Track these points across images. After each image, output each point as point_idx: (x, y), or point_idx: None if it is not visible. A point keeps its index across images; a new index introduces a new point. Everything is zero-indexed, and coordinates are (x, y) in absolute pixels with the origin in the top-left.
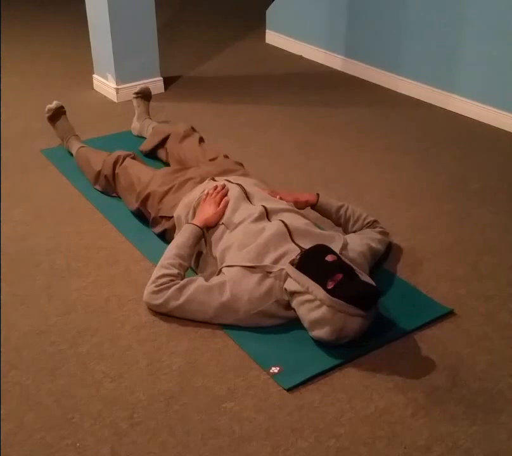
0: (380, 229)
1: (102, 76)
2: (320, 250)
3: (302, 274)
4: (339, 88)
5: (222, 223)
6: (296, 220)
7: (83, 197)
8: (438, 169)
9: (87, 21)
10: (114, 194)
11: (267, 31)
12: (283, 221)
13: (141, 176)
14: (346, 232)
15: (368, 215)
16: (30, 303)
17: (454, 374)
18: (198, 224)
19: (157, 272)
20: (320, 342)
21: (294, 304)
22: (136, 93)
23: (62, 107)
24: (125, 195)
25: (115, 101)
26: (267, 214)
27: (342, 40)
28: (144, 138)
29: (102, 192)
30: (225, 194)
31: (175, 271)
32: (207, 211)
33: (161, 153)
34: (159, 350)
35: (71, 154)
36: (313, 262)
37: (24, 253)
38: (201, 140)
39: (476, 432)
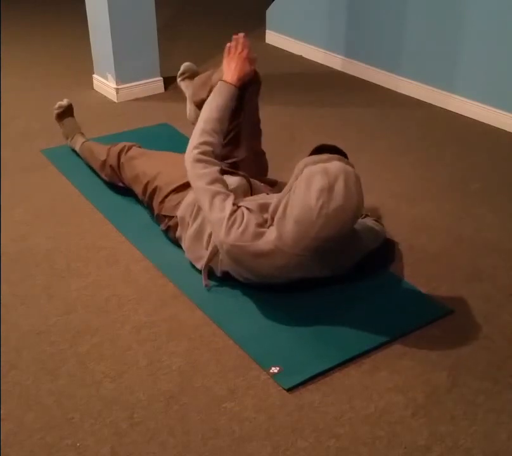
0: (375, 220)
1: (102, 76)
2: None
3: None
4: (339, 88)
5: None
6: None
7: (83, 197)
8: (438, 169)
9: (87, 21)
10: (121, 184)
11: (267, 31)
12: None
13: (147, 169)
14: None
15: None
16: (30, 303)
17: (454, 374)
18: (234, 83)
19: (200, 136)
20: (320, 343)
21: (289, 210)
22: (180, 74)
23: (72, 105)
24: (133, 187)
25: (115, 101)
26: None
27: (342, 40)
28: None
29: (108, 182)
30: (246, 44)
31: (217, 139)
32: (242, 67)
33: None
34: (159, 350)
35: (75, 152)
36: None
37: (24, 253)
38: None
39: (476, 432)
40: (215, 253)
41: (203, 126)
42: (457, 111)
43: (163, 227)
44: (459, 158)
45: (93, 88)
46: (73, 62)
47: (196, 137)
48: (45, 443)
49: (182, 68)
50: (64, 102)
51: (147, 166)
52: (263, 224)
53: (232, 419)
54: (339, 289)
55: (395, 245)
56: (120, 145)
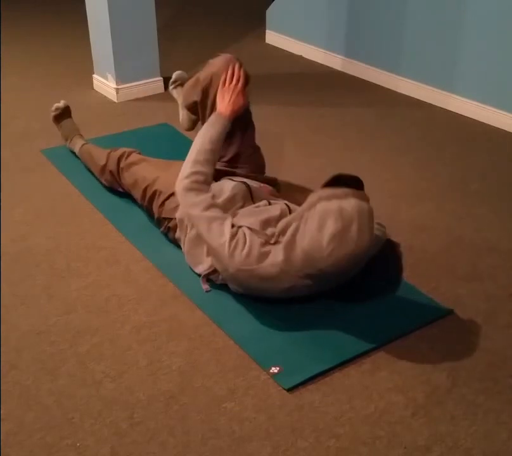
0: (376, 221)
1: (102, 76)
2: None
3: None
4: (339, 88)
5: None
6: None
7: (83, 197)
8: (438, 169)
9: (87, 21)
10: (120, 189)
11: (267, 31)
12: (286, 204)
13: (146, 174)
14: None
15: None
16: (30, 303)
17: (454, 374)
18: (227, 116)
19: (192, 166)
20: (320, 342)
21: (299, 241)
22: (173, 82)
23: (69, 107)
24: (132, 192)
25: (115, 101)
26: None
27: (342, 40)
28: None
29: (108, 187)
30: (240, 75)
31: (210, 169)
32: (236, 101)
33: None
34: (159, 350)
35: (74, 154)
36: None
37: (24, 253)
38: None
39: (476, 432)
40: (214, 272)
41: (194, 156)
42: (457, 111)
43: (163, 229)
44: (459, 158)
45: (93, 88)
46: (73, 62)
47: (187, 167)
48: (45, 443)
49: (173, 76)
50: (61, 104)
51: (146, 171)
52: (267, 241)
53: (232, 419)
54: (339, 289)
55: (397, 246)
56: (120, 151)
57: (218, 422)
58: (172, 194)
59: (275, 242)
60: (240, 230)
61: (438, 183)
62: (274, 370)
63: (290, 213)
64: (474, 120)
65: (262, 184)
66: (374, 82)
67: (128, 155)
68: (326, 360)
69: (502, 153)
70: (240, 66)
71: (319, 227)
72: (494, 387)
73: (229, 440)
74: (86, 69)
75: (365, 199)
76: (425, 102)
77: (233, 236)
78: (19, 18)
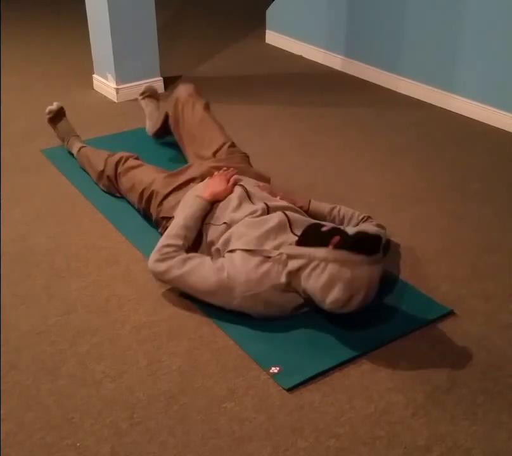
0: (376, 223)
1: (102, 76)
2: (316, 224)
3: (303, 248)
4: (339, 88)
5: (225, 223)
6: (296, 213)
7: (83, 197)
8: (438, 169)
9: (87, 21)
10: (118, 194)
11: (267, 31)
12: (285, 213)
13: (143, 177)
14: None
15: (361, 213)
16: (30, 303)
17: (454, 374)
18: (206, 198)
19: (164, 240)
20: (320, 343)
21: (303, 281)
22: (142, 93)
23: (62, 108)
24: (129, 196)
25: (115, 101)
26: (268, 211)
27: (342, 40)
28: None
29: (106, 192)
30: (234, 174)
31: (180, 242)
32: (216, 186)
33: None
34: (159, 350)
35: (72, 155)
36: (312, 235)
37: (24, 253)
38: (206, 107)
39: (476, 432)
40: None
41: (168, 231)
42: (457, 111)
43: (161, 230)
44: (459, 158)
45: (93, 88)
46: (73, 62)
47: (161, 241)
48: (45, 443)
49: (143, 88)
50: (54, 106)
51: (144, 174)
52: (267, 256)
53: (232, 419)
54: None
55: (394, 245)
56: (117, 156)
57: (218, 422)
58: (170, 193)
59: (280, 254)
60: (228, 257)
61: (438, 183)
62: (274, 370)
63: (290, 224)
64: (474, 120)
65: (260, 184)
66: (374, 82)
67: (126, 160)
68: (326, 360)
69: (502, 153)
70: (233, 171)
71: (325, 287)
72: (494, 387)
73: (229, 440)
74: (86, 69)
75: (381, 261)
76: (425, 102)
77: (221, 270)
78: (19, 18)
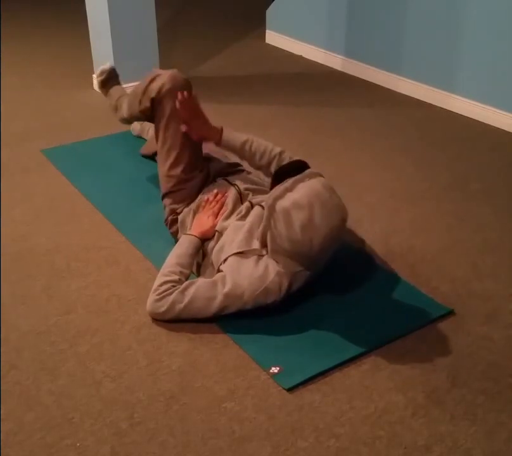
0: (290, 156)
1: None
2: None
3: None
4: (339, 88)
5: (216, 231)
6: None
7: (83, 197)
8: (438, 169)
9: (87, 21)
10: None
11: (267, 31)
12: (261, 205)
13: (174, 141)
14: (253, 166)
15: (274, 146)
16: (30, 303)
17: (454, 374)
18: (196, 235)
19: (158, 280)
20: (320, 343)
21: (277, 239)
22: (99, 75)
23: (115, 69)
24: (160, 132)
25: None
26: (251, 208)
27: (342, 40)
28: (144, 139)
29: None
30: (224, 202)
31: (176, 277)
32: (205, 224)
33: None
34: (159, 350)
35: (126, 121)
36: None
37: (24, 253)
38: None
39: (476, 432)
40: None
41: (163, 270)
42: (457, 111)
43: (172, 229)
44: (459, 158)
45: (93, 88)
46: (73, 62)
47: (156, 281)
48: (45, 443)
49: (99, 70)
50: (107, 66)
51: (177, 136)
52: (260, 255)
53: (232, 419)
54: (339, 289)
55: (394, 245)
56: (158, 80)
57: (218, 422)
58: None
59: (266, 250)
60: (227, 265)
61: (438, 183)
62: (274, 370)
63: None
64: (474, 120)
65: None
66: (374, 82)
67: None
68: (326, 360)
69: (502, 153)
70: (224, 193)
71: (287, 225)
72: (494, 387)
73: (229, 440)
74: (86, 69)
75: (314, 175)
76: (425, 102)
77: (222, 282)
78: (19, 18)
